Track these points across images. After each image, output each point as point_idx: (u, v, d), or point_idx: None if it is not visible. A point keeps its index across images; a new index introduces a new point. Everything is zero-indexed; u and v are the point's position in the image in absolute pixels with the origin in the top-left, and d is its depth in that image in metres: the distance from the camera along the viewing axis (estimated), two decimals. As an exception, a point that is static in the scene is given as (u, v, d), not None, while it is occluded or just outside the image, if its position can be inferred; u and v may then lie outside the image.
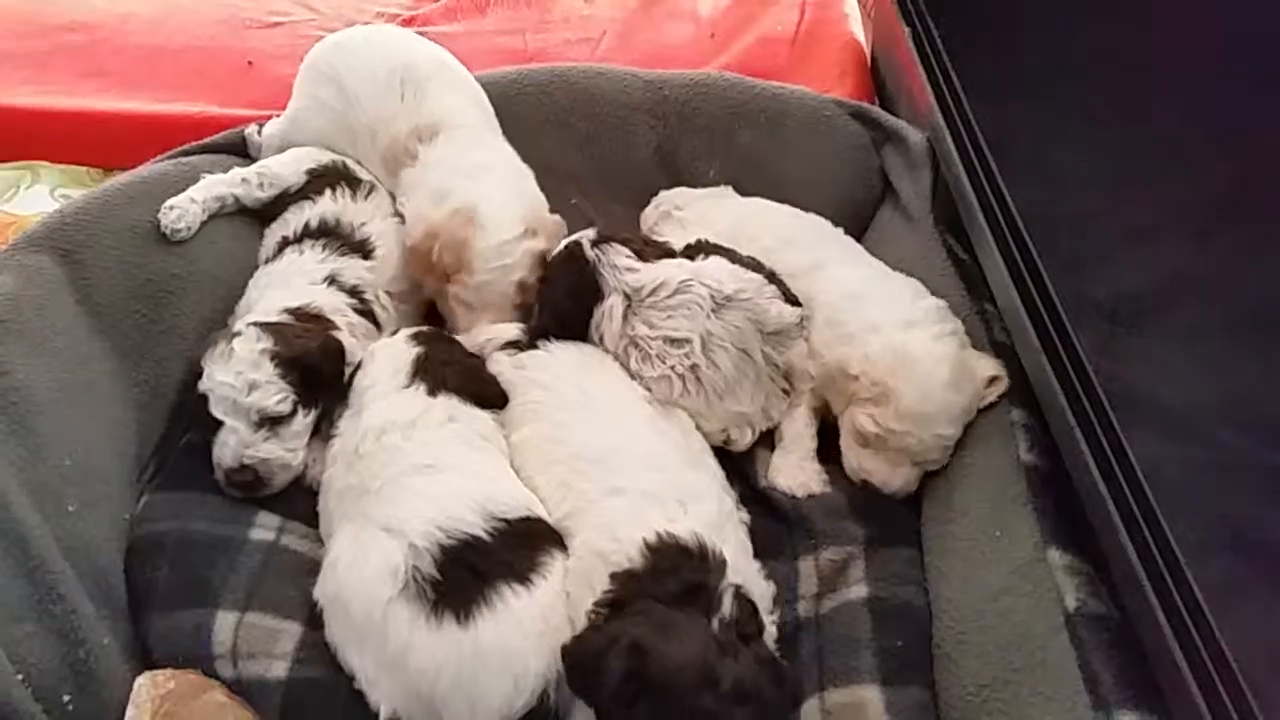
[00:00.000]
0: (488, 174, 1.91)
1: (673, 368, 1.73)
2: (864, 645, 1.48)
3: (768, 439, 1.83)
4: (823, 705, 1.45)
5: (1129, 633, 1.30)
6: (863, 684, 1.44)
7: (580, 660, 1.32)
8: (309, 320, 1.75)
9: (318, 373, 1.68)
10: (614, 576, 1.40)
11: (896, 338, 1.70)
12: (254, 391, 1.62)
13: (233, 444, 1.63)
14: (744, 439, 1.79)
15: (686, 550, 1.42)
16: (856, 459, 1.71)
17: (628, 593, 1.38)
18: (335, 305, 1.82)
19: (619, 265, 1.79)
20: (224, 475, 1.64)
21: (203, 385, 1.65)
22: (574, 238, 1.87)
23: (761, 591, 1.48)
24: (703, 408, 1.75)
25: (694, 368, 1.73)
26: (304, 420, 1.68)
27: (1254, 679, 1.10)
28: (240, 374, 1.61)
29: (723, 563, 1.42)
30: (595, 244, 1.82)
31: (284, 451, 1.66)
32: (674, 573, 1.39)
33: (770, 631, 1.47)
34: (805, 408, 1.81)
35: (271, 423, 1.64)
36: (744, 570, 1.47)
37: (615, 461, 1.57)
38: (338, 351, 1.73)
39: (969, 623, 1.45)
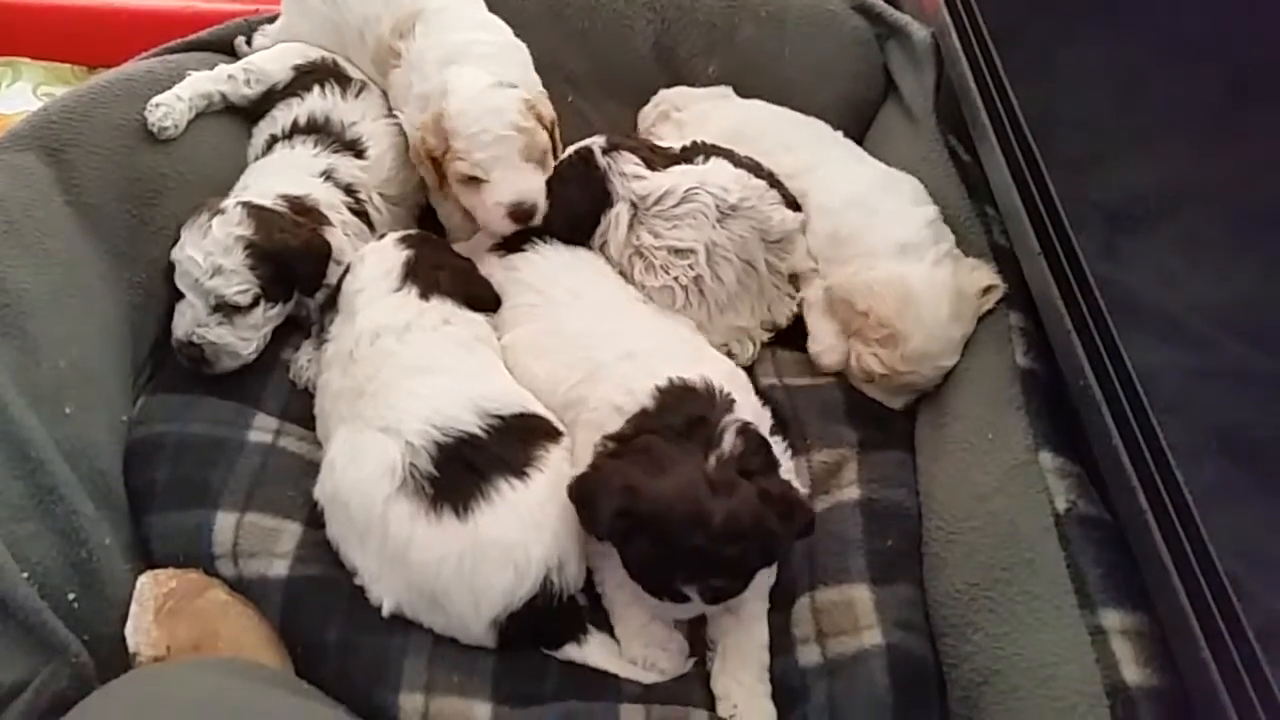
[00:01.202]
0: (463, 55, 1.83)
1: (676, 279, 1.73)
2: (855, 545, 1.50)
3: (778, 338, 1.85)
4: (813, 603, 1.47)
5: (1116, 534, 1.31)
6: (853, 583, 1.46)
7: (580, 498, 1.37)
8: (303, 213, 1.71)
9: (292, 269, 1.66)
10: (628, 420, 1.44)
11: (897, 268, 1.69)
12: (216, 276, 1.60)
13: (188, 318, 1.62)
14: (745, 353, 1.80)
15: (693, 389, 1.46)
16: (866, 389, 1.73)
17: (635, 428, 1.42)
18: (331, 201, 1.79)
19: (627, 173, 1.77)
20: (175, 344, 1.64)
21: (174, 253, 1.63)
22: (585, 143, 1.84)
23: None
24: (704, 320, 1.75)
25: (697, 279, 1.73)
26: (264, 313, 1.66)
27: (1238, 580, 1.11)
28: (209, 255, 1.59)
29: (730, 401, 1.46)
30: (606, 151, 1.80)
31: (235, 339, 1.64)
32: (679, 409, 1.42)
33: (786, 465, 1.51)
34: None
35: (229, 309, 1.62)
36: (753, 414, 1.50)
37: (625, 335, 1.59)
38: (322, 252, 1.70)
39: (959, 523, 1.47)
